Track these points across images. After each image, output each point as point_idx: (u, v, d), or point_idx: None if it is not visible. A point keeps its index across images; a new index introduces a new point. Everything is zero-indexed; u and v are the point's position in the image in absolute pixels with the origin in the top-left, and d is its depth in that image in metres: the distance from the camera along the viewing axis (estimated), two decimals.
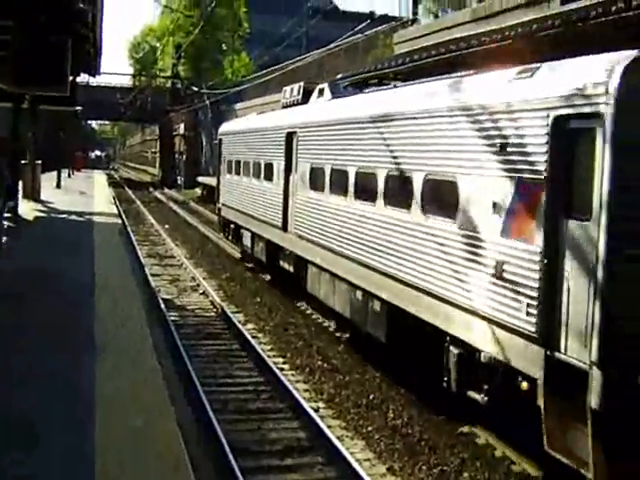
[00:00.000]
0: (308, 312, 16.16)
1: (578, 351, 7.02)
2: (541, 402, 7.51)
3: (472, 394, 8.96)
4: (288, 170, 16.25)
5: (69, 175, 54.76)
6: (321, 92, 15.54)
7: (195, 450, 7.78)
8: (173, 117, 69.18)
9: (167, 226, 32.87)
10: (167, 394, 8.28)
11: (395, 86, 13.92)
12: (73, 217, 26.92)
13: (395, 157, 10.85)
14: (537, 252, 7.55)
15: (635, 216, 6.71)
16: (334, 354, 12.99)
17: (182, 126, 66.77)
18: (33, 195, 31.81)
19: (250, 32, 70.04)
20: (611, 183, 6.68)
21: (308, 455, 9.03)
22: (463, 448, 9.33)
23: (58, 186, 41.66)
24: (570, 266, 7.20)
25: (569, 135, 7.26)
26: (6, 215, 20.68)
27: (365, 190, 11.98)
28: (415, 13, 26.96)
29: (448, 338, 9.36)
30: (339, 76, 17.38)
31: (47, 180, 37.86)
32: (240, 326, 14.51)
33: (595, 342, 6.78)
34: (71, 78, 22.81)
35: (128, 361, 9.25)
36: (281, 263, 17.23)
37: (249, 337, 13.68)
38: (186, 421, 8.78)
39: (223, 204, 23.94)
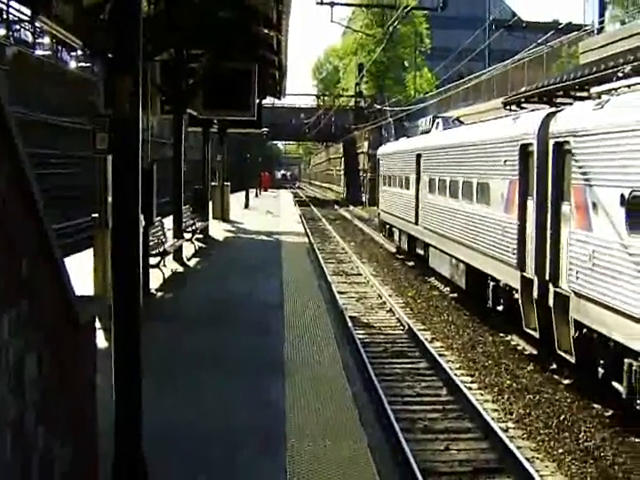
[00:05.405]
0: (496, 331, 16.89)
1: (531, 271, 14.50)
2: (520, 303, 15.03)
3: (498, 308, 16.62)
4: (417, 181, 24.40)
5: (256, 195, 59.66)
6: (437, 124, 23.57)
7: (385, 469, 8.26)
8: (357, 135, 74.64)
9: (352, 243, 35.26)
10: (356, 413, 9.37)
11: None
12: (262, 237, 29.36)
13: (464, 170, 18.77)
14: (515, 220, 15.12)
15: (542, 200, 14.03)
16: (523, 374, 13.93)
17: (366, 144, 70.79)
18: (223, 215, 34.98)
19: (432, 48, 74.54)
20: (536, 180, 14.19)
21: None
22: None
23: (246, 206, 45.51)
24: (530, 227, 14.72)
25: (525, 155, 14.82)
26: (198, 236, 24.59)
27: (454, 192, 19.84)
28: (601, 22, 28.67)
29: (489, 277, 17.04)
30: (523, 89, 18.78)
31: (236, 200, 41.19)
32: (427, 344, 15.67)
33: (533, 265, 14.28)
34: (257, 101, 24.38)
35: (317, 378, 10.70)
36: (416, 249, 25.31)
37: (435, 354, 14.90)
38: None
39: (381, 209, 32.74)
